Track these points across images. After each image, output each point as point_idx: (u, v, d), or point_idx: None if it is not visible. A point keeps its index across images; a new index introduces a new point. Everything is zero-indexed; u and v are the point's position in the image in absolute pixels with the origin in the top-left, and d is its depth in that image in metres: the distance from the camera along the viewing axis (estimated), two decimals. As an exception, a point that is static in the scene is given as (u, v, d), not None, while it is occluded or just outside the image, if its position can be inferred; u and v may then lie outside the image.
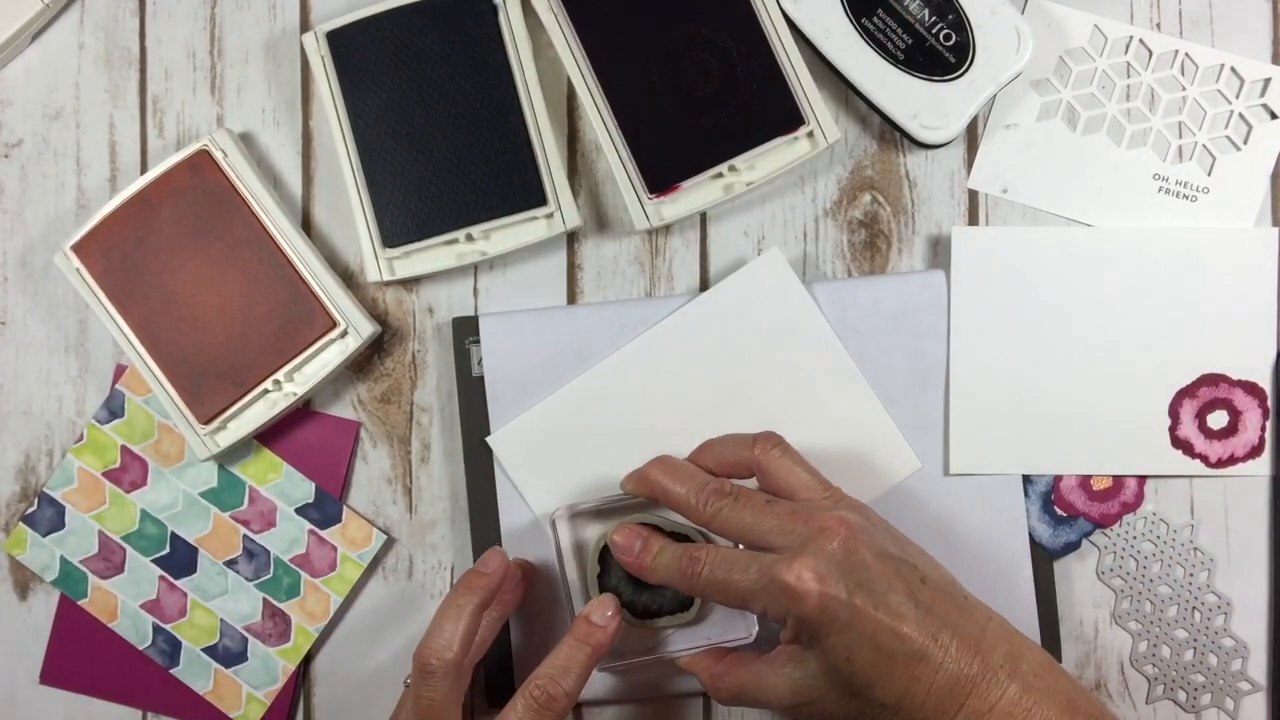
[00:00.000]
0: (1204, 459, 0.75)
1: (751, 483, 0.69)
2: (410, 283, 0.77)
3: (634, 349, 0.75)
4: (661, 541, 0.69)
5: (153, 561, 0.76)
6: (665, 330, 0.75)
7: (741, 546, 0.67)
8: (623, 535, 0.70)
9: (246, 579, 0.76)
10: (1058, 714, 0.61)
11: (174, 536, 0.76)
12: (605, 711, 0.77)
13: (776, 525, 0.65)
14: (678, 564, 0.67)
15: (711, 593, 0.66)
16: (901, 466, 0.75)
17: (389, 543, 0.77)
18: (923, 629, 0.61)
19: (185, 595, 0.76)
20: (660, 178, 0.74)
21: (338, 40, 0.75)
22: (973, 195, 0.77)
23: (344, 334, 0.74)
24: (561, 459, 0.75)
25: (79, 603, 0.77)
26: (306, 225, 0.77)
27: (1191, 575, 0.75)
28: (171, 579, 0.77)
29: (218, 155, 0.74)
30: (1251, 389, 0.75)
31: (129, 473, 0.77)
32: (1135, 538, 0.76)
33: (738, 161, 0.74)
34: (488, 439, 0.75)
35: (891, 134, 0.77)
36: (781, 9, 0.75)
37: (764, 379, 0.75)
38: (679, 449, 0.73)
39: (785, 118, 0.74)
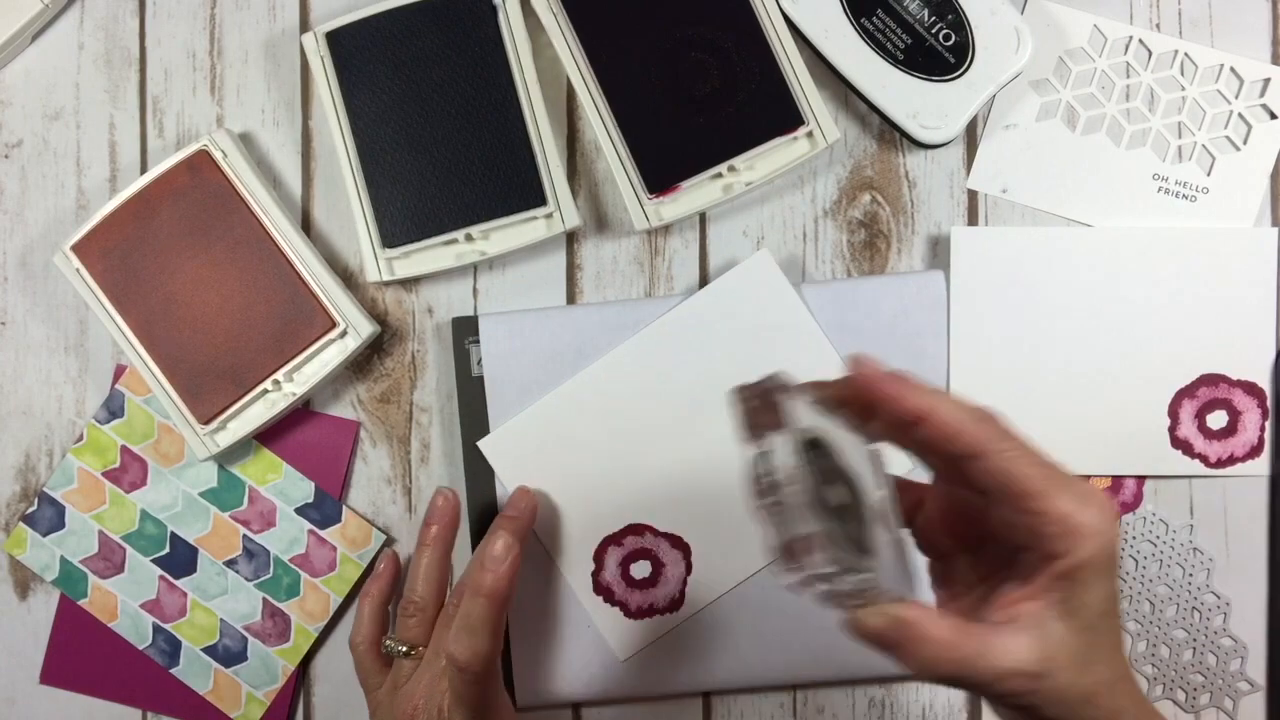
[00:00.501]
0: (1203, 459, 0.75)
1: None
2: (410, 283, 0.77)
3: (623, 352, 0.75)
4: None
5: (153, 561, 0.77)
6: (655, 332, 0.75)
7: None
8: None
9: (246, 579, 0.76)
10: None
11: (174, 536, 0.76)
12: (605, 711, 0.77)
13: (1052, 473, 0.54)
14: (975, 413, 0.54)
15: (1006, 464, 0.53)
16: (894, 467, 0.74)
17: (388, 543, 0.77)
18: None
19: (185, 595, 0.76)
20: (660, 178, 0.74)
21: (337, 40, 0.75)
22: (972, 195, 0.77)
23: (343, 334, 0.74)
24: (552, 462, 0.75)
25: (79, 603, 0.77)
26: (306, 225, 0.77)
27: (1190, 575, 0.75)
28: (171, 579, 0.77)
29: (217, 155, 0.74)
30: (1251, 389, 0.75)
31: (129, 473, 0.77)
32: (1134, 538, 0.76)
33: (737, 161, 0.74)
34: (479, 443, 0.75)
35: (891, 134, 0.77)
36: (781, 9, 0.75)
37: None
38: (670, 451, 0.73)
39: (785, 118, 0.74)
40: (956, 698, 0.76)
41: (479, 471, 0.75)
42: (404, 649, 0.71)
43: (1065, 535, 0.53)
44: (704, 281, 0.77)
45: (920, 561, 0.58)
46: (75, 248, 0.74)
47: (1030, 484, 0.54)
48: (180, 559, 0.76)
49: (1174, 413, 0.75)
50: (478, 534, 0.75)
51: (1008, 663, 0.53)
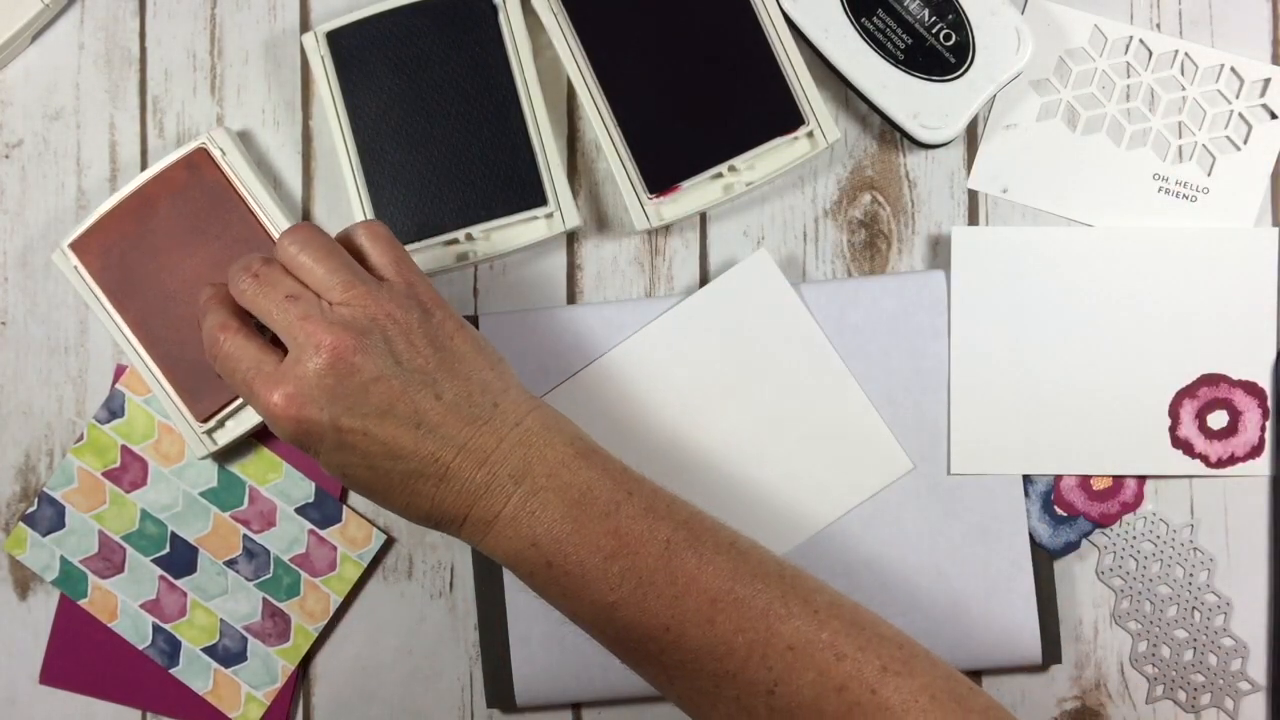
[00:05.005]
0: (1204, 459, 0.75)
1: None
2: (410, 283, 0.77)
3: (623, 352, 0.75)
4: (223, 302, 0.66)
5: (153, 561, 0.77)
6: (653, 333, 0.75)
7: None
8: (211, 287, 0.67)
9: (246, 579, 0.76)
10: (566, 507, 0.61)
11: (174, 536, 0.76)
12: (605, 712, 0.77)
13: (285, 326, 0.62)
14: (209, 331, 0.65)
15: (224, 377, 0.64)
16: (892, 467, 0.75)
17: (389, 543, 0.77)
18: (420, 448, 0.61)
19: (185, 595, 0.76)
20: (660, 178, 0.74)
21: (338, 40, 0.75)
22: (973, 195, 0.77)
23: (344, 334, 0.74)
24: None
25: (79, 603, 0.77)
26: (306, 225, 0.78)
27: (1191, 575, 0.75)
28: (171, 579, 0.77)
29: (216, 154, 0.74)
30: (1251, 389, 0.75)
31: (129, 473, 0.77)
32: (1135, 538, 0.76)
33: (738, 161, 0.74)
34: None
35: (891, 134, 0.77)
36: (781, 9, 0.75)
37: (752, 380, 0.75)
38: (668, 453, 0.73)
39: (785, 118, 0.74)
40: (957, 698, 0.76)
41: None
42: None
43: (265, 414, 0.63)
44: (704, 281, 0.77)
45: None
46: (73, 245, 0.74)
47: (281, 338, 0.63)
48: (180, 559, 0.76)
49: (1174, 413, 0.75)
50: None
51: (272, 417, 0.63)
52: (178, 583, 0.77)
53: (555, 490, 0.62)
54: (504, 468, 0.62)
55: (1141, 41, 0.77)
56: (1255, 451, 0.75)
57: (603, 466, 0.63)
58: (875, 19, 0.74)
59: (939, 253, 0.77)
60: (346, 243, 0.66)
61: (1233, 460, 0.75)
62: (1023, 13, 0.75)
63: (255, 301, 0.63)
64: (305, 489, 0.76)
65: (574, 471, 0.62)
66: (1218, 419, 0.75)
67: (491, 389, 0.64)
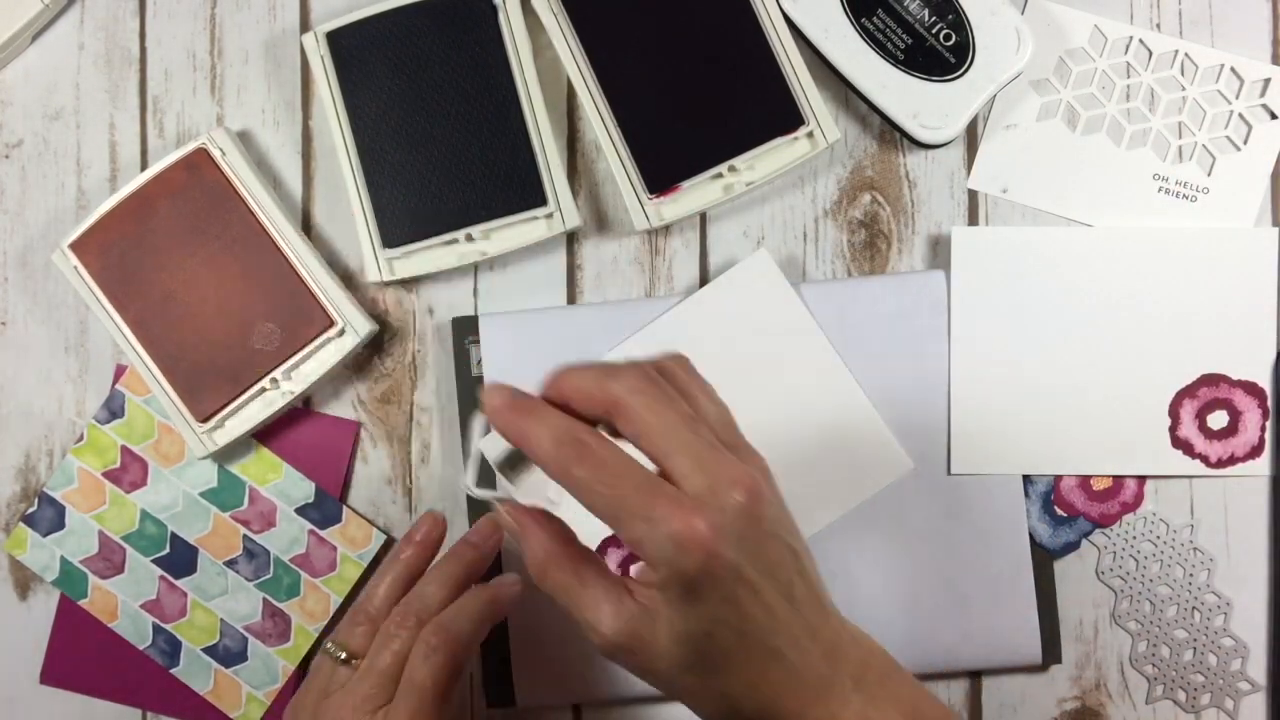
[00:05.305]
0: (1204, 459, 0.75)
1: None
2: (410, 283, 0.77)
3: (623, 352, 0.75)
4: (548, 407, 0.55)
5: (153, 561, 0.77)
6: (654, 333, 0.75)
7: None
8: (494, 390, 0.56)
9: (246, 579, 0.76)
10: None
11: (174, 536, 0.76)
12: (605, 711, 0.77)
13: (686, 448, 0.53)
14: (559, 437, 0.54)
15: (582, 493, 0.53)
16: (893, 467, 0.75)
17: (389, 543, 0.77)
18: (789, 627, 0.54)
19: (185, 595, 0.76)
20: (660, 178, 0.74)
21: (338, 40, 0.75)
22: (973, 195, 0.77)
23: (341, 333, 0.74)
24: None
25: (79, 603, 0.77)
26: (306, 225, 0.77)
27: (1191, 575, 0.75)
28: (171, 579, 0.77)
29: (215, 154, 0.74)
30: (1251, 389, 0.75)
31: (129, 473, 0.77)
32: (1135, 538, 0.76)
33: (737, 161, 0.74)
34: (479, 443, 0.74)
35: (891, 134, 0.77)
36: (781, 9, 0.75)
37: (753, 380, 0.75)
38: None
39: (785, 118, 0.74)
40: (956, 697, 0.76)
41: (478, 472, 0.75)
42: (344, 655, 0.66)
43: (666, 538, 0.52)
44: (704, 281, 0.77)
45: None
46: (73, 246, 0.74)
47: (662, 458, 0.54)
48: (180, 559, 0.76)
49: (1174, 413, 0.75)
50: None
51: (592, 617, 0.55)
52: (178, 583, 0.77)
53: (891, 701, 0.56)
54: (845, 666, 0.56)
55: (1141, 41, 0.77)
56: (1255, 451, 0.75)
57: (913, 680, 0.58)
58: (875, 19, 0.74)
59: (939, 253, 0.77)
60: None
61: (1233, 460, 0.75)
62: (1023, 13, 0.75)
63: (645, 412, 0.53)
64: (305, 489, 0.76)
65: (899, 684, 0.57)
66: (1218, 419, 0.75)
67: (820, 580, 0.58)
